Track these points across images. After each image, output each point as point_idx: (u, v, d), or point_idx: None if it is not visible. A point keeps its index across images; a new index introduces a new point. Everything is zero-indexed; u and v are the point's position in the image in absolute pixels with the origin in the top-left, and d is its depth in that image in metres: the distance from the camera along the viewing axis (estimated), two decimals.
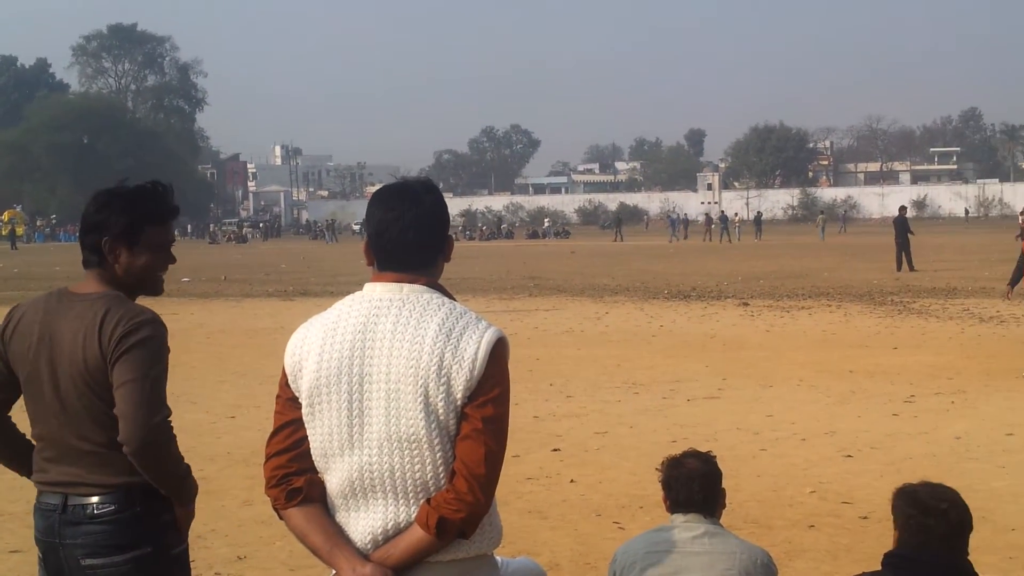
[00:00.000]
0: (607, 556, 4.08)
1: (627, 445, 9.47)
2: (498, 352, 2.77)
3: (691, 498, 3.87)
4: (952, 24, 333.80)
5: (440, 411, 2.74)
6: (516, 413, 11.08)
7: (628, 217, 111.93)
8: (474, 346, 2.74)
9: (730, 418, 10.60)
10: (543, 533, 7.03)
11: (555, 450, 9.35)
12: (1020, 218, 56.51)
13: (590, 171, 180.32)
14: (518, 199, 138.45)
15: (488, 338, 2.76)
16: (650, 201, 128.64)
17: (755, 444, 9.43)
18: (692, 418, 10.67)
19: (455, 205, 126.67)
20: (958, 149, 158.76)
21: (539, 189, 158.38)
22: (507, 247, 63.90)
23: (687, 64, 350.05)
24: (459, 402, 2.74)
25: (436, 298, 2.84)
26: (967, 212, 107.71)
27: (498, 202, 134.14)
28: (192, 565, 6.39)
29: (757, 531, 6.89)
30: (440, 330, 2.76)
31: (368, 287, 2.91)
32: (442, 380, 2.73)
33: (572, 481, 8.29)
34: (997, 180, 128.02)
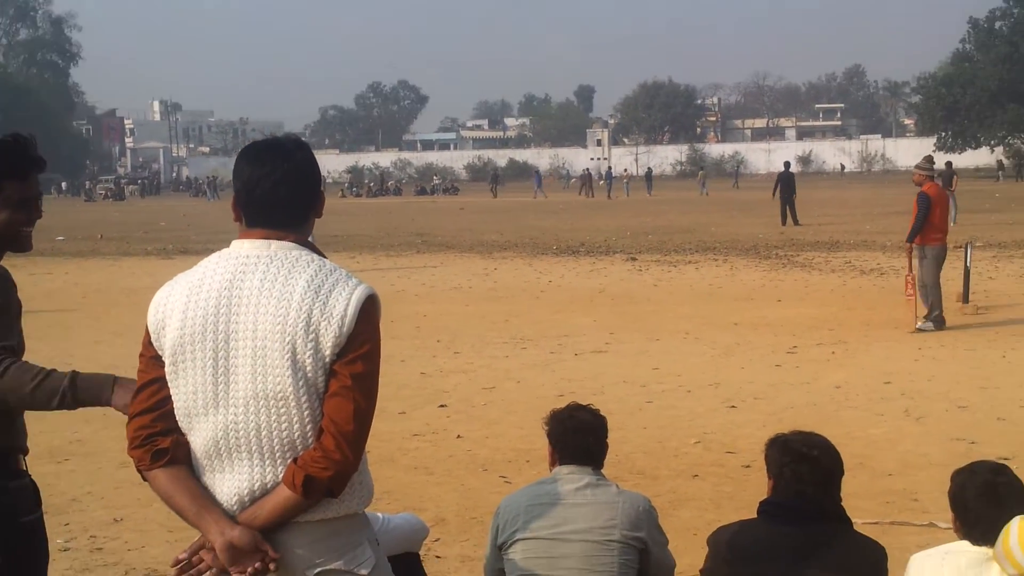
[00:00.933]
0: (493, 510, 4.08)
1: (514, 400, 9.52)
2: (368, 309, 2.73)
3: (577, 451, 3.89)
4: None
5: (308, 368, 2.70)
6: (403, 370, 11.11)
7: (518, 173, 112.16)
8: (343, 303, 2.71)
9: (617, 371, 10.72)
10: (429, 488, 7.03)
11: (442, 406, 9.35)
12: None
13: (479, 127, 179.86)
14: (406, 155, 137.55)
15: (358, 295, 2.73)
16: (540, 157, 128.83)
17: (642, 396, 9.57)
18: (579, 372, 10.76)
19: (341, 162, 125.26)
20: (842, 105, 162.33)
21: (427, 145, 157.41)
22: (395, 204, 63.47)
23: (576, 20, 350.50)
24: (327, 359, 2.70)
25: (305, 255, 2.79)
26: (843, 167, 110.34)
27: (386, 158, 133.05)
28: (67, 528, 6.30)
29: (643, 482, 6.99)
30: (308, 287, 2.72)
31: (235, 244, 2.85)
32: (310, 337, 2.69)
33: (459, 437, 8.31)
34: (880, 136, 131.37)
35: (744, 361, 11.15)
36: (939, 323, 12.80)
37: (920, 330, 12.63)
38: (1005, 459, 7.00)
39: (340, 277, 2.77)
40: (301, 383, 2.70)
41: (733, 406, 9.11)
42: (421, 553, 4.93)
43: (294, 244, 2.81)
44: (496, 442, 8.11)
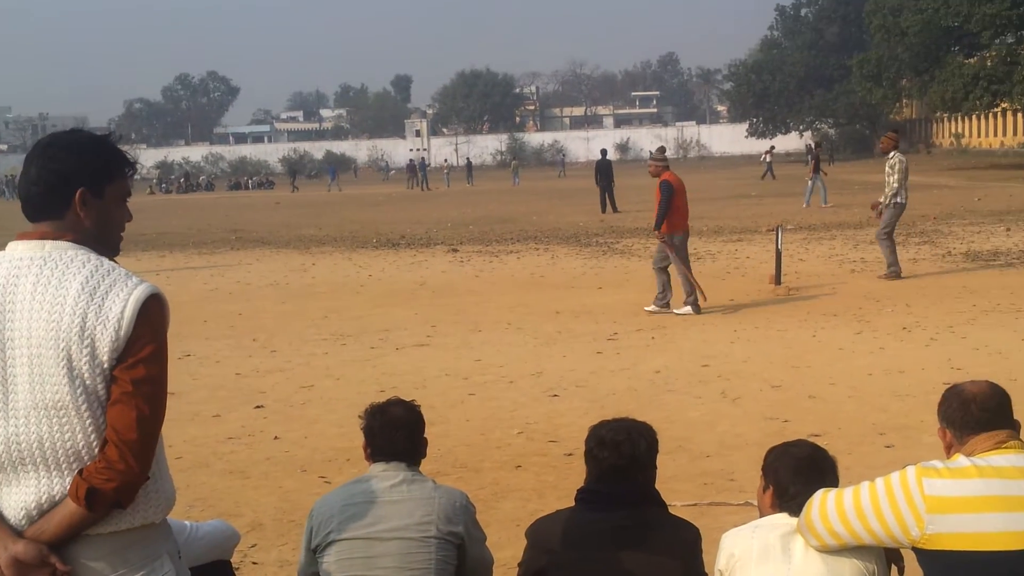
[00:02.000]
0: None
1: (333, 398, 9.41)
2: (149, 310, 2.63)
3: (393, 446, 3.85)
4: None
5: (86, 375, 2.59)
6: (217, 371, 10.84)
7: (337, 166, 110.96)
8: (120, 305, 2.60)
9: (439, 364, 10.72)
10: (245, 493, 6.88)
11: (258, 407, 9.18)
12: (763, 155, 60.11)
13: (294, 119, 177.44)
14: (218, 149, 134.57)
15: (137, 295, 2.62)
16: (358, 149, 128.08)
17: (464, 389, 9.59)
18: (401, 367, 10.72)
19: (149, 157, 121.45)
20: (658, 93, 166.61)
21: (240, 139, 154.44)
22: (207, 200, 62.02)
23: (392, 8, 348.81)
24: (106, 365, 2.60)
25: (81, 255, 2.67)
26: (650, 154, 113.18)
27: (196, 153, 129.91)
28: None
29: (466, 475, 7.01)
30: (83, 289, 2.61)
31: (10, 246, 2.73)
32: (85, 342, 2.58)
33: (276, 438, 8.16)
34: (695, 122, 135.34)
35: (566, 349, 11.30)
36: (696, 307, 13.29)
37: (679, 314, 13.16)
38: (816, 435, 7.32)
39: (118, 278, 2.66)
40: (80, 391, 2.60)
41: (555, 395, 9.22)
42: (237, 560, 4.83)
43: (71, 244, 2.69)
44: (315, 442, 8.00)
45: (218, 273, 20.12)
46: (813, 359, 10.30)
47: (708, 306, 13.72)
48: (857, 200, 34.34)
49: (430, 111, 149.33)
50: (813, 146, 41.95)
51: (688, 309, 13.29)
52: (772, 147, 64.87)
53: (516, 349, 11.46)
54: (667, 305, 13.43)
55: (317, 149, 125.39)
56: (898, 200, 15.90)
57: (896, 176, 15.85)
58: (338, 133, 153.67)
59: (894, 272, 15.59)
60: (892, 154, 16.04)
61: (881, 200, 16.08)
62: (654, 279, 13.76)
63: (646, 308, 13.51)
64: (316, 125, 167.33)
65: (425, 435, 4.00)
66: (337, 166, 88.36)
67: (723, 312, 13.38)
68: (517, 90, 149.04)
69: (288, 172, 76.20)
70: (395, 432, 3.86)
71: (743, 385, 9.30)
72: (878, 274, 15.94)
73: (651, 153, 14.53)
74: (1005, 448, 3.24)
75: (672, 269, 13.65)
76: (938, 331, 11.40)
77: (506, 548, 5.38)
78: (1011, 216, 25.49)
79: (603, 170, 34.94)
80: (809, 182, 34.17)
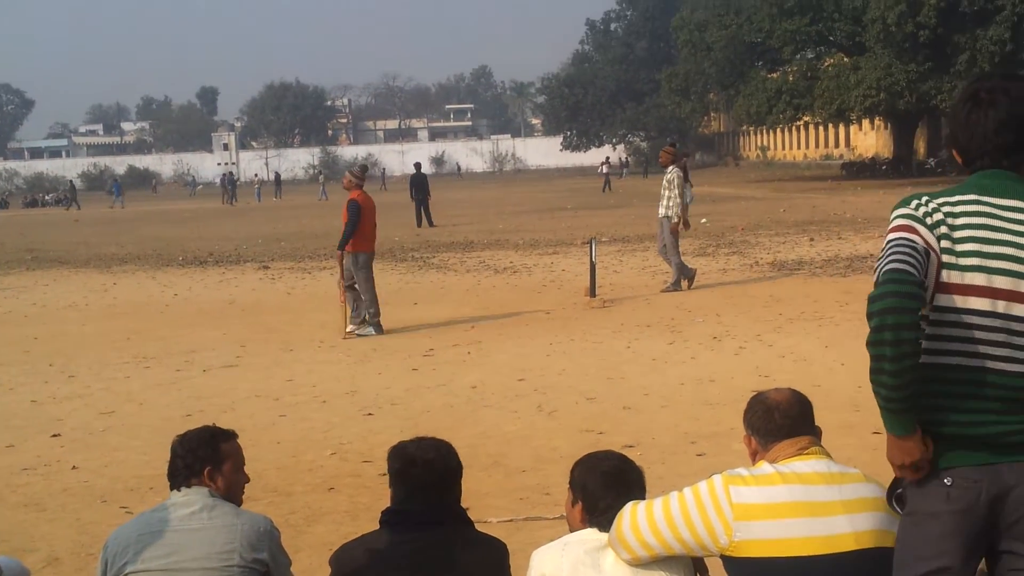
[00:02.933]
0: None
1: (136, 424, 9.10)
2: None
3: (191, 472, 3.74)
4: None
5: None
6: (10, 399, 10.35)
7: (139, 181, 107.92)
8: None
9: (249, 385, 10.50)
10: (41, 527, 6.58)
11: (55, 436, 8.80)
12: (600, 167, 60.79)
13: (94, 132, 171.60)
14: (12, 165, 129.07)
15: None
16: (162, 163, 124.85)
17: (275, 410, 9.41)
18: (208, 389, 10.45)
19: None
20: (472, 106, 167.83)
21: (36, 154, 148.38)
22: (0, 218, 59.35)
23: (196, 18, 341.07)
24: None
25: None
26: (459, 167, 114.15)
27: None
28: None
29: (277, 499, 6.88)
30: None
31: None
32: None
33: (74, 468, 7.84)
34: (509, 136, 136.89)
35: (381, 367, 11.23)
36: (378, 328, 13.28)
37: (355, 335, 13.18)
38: (630, 446, 7.47)
39: None
40: None
41: (370, 414, 9.14)
42: None
43: None
44: (116, 470, 7.71)
45: (12, 295, 19.26)
46: (628, 370, 10.50)
47: (524, 319, 13.86)
48: None
49: (238, 124, 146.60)
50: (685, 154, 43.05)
51: (370, 330, 13.21)
52: (608, 159, 66.23)
53: (329, 367, 11.32)
54: (379, 326, 13.30)
55: (119, 164, 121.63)
56: (671, 214, 16.33)
57: (676, 191, 16.35)
58: (141, 147, 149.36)
59: (676, 286, 16.02)
60: (670, 168, 16.57)
61: (673, 217, 16.38)
62: (351, 302, 13.60)
63: (348, 331, 13.28)
64: (117, 139, 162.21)
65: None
66: (139, 181, 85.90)
67: (539, 325, 13.52)
68: (329, 103, 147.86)
69: (68, 190, 73.40)
70: (192, 455, 3.75)
71: (559, 398, 9.41)
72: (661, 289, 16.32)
73: (351, 169, 14.45)
74: (807, 454, 3.36)
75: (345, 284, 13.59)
76: (746, 340, 11.79)
77: (318, 573, 5.29)
78: (814, 226, 26.61)
79: (418, 184, 34.97)
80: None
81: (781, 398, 3.49)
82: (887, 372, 2.73)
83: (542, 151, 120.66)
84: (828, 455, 3.41)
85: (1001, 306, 2.79)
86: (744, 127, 78.98)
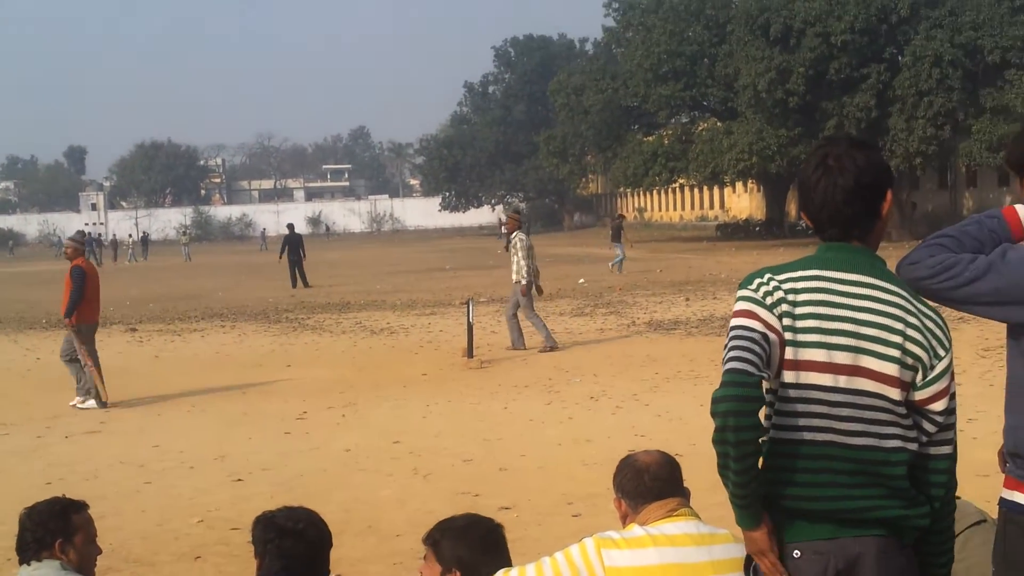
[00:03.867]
0: None
1: None
2: None
3: (41, 545, 3.61)
4: (340, 46, 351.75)
5: None
6: None
7: (4, 239, 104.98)
8: None
9: (113, 452, 10.20)
10: None
11: None
12: (501, 226, 60.70)
13: None
14: None
15: None
16: (27, 223, 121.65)
17: (140, 477, 9.15)
18: (70, 456, 10.12)
19: None
20: (349, 166, 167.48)
21: None
22: None
23: (63, 77, 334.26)
24: None
25: None
26: (327, 228, 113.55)
27: None
28: None
29: (140, 569, 6.66)
30: None
31: None
32: None
33: None
34: (387, 196, 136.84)
35: (252, 431, 11.02)
36: (100, 402, 12.92)
37: (78, 407, 12.86)
38: (506, 508, 7.44)
39: None
40: None
41: (239, 479, 8.95)
42: None
43: None
44: None
45: None
46: (505, 431, 10.49)
47: (399, 380, 13.77)
48: (547, 272, 35.59)
49: (108, 184, 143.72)
50: (616, 216, 43.86)
51: (92, 403, 12.88)
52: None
53: (198, 432, 11.07)
54: (101, 401, 12.93)
55: None
56: (523, 279, 16.50)
57: (521, 254, 16.55)
58: (5, 206, 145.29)
59: (518, 346, 16.21)
60: (515, 234, 16.78)
61: (522, 281, 16.52)
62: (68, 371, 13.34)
63: (70, 404, 12.96)
64: None
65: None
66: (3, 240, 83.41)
67: (416, 386, 13.44)
68: (202, 162, 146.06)
69: None
70: (33, 531, 3.63)
71: (435, 460, 9.34)
72: (506, 346, 16.48)
73: (71, 236, 14.28)
74: (677, 516, 3.39)
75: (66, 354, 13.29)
76: (624, 399, 11.89)
77: None
78: (690, 286, 27.10)
79: (292, 244, 34.68)
80: (618, 251, 35.42)
81: (651, 460, 3.52)
82: (732, 470, 2.77)
83: (421, 212, 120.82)
84: (697, 516, 3.45)
85: (843, 381, 2.82)
86: (621, 189, 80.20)
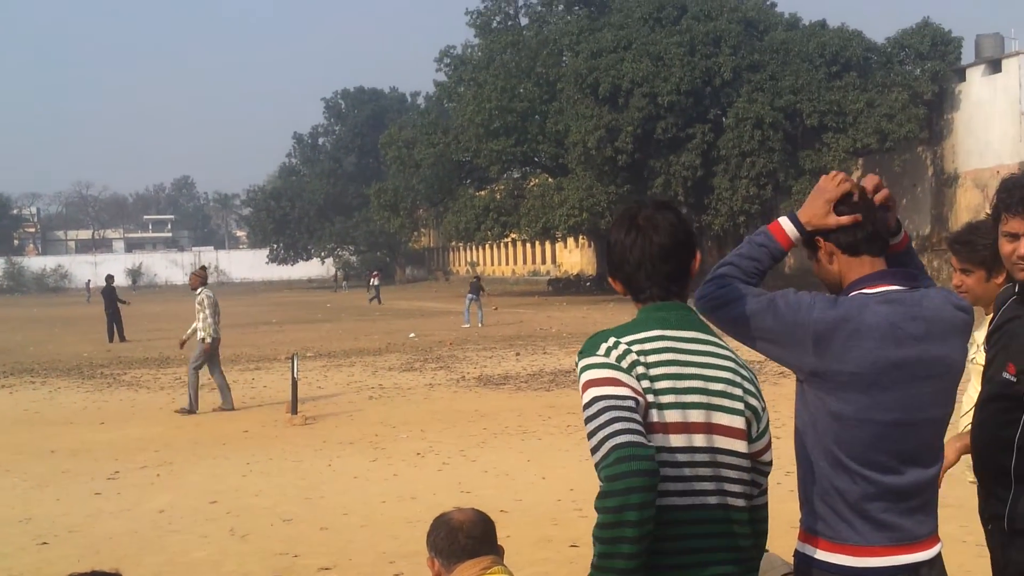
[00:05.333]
0: None
1: None
2: None
3: None
4: (165, 92, 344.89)
5: None
6: None
7: None
8: None
9: None
10: None
11: None
12: (370, 279, 59.69)
13: None
14: None
15: None
16: None
17: None
18: None
19: None
20: (173, 217, 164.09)
21: None
22: None
23: None
24: None
25: None
26: (133, 282, 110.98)
27: None
28: None
29: None
30: None
31: None
32: None
33: None
34: (213, 248, 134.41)
35: (60, 492, 10.58)
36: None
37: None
38: (326, 568, 7.32)
39: None
40: None
41: (45, 543, 8.56)
42: None
43: None
44: None
45: None
46: (327, 489, 10.33)
47: (220, 438, 13.45)
48: (377, 327, 35.44)
49: None
50: (475, 273, 43.88)
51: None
52: (377, 271, 66.00)
53: (2, 493, 10.57)
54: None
55: None
56: (209, 337, 16.46)
57: (206, 311, 16.55)
58: None
59: (189, 410, 16.03)
60: (199, 291, 16.77)
61: (207, 338, 16.46)
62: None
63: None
64: None
65: None
66: None
67: (236, 444, 13.14)
68: (15, 211, 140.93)
69: None
70: None
71: (253, 520, 9.12)
72: (175, 408, 16.40)
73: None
74: (490, 574, 3.39)
75: None
76: (450, 455, 11.85)
77: None
78: (521, 341, 27.32)
79: (109, 296, 33.68)
80: (466, 302, 35.42)
81: (465, 519, 3.53)
82: (625, 555, 2.64)
83: (247, 264, 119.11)
84: (511, 574, 3.45)
85: (699, 440, 2.82)
86: (454, 243, 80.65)
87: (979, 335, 4.29)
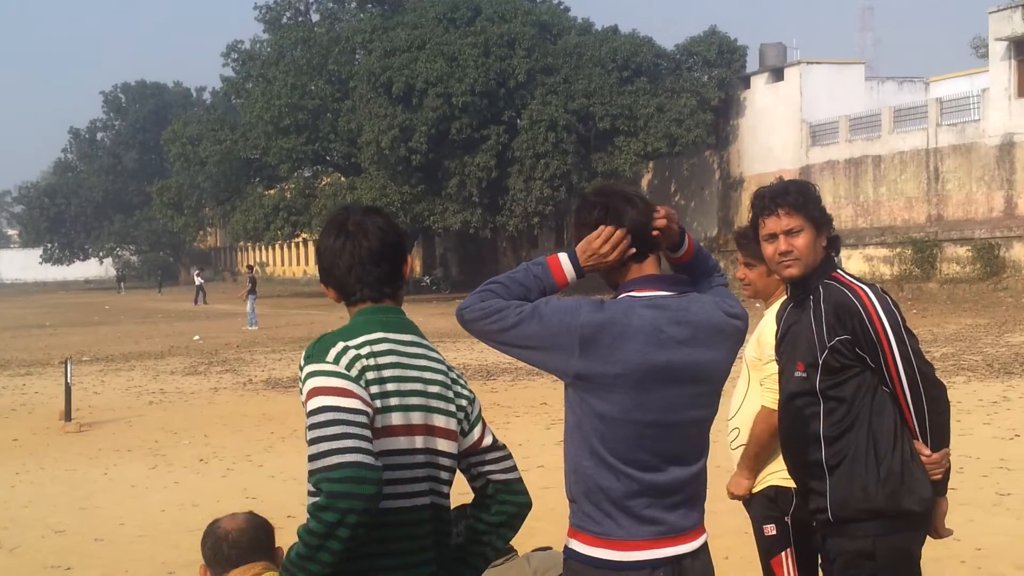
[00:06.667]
0: None
1: None
2: None
3: None
4: None
5: None
6: None
7: None
8: None
9: None
10: None
11: None
12: (195, 276, 57.04)
13: None
14: None
15: None
16: None
17: None
18: None
19: None
20: None
21: None
22: None
23: None
24: None
25: None
26: None
27: None
28: None
29: None
30: None
31: None
32: None
33: None
34: None
35: None
36: None
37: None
38: None
39: None
40: None
41: None
42: None
43: None
44: None
45: None
46: (103, 499, 9.96)
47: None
48: (159, 329, 34.44)
49: None
50: (250, 267, 42.55)
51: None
52: (201, 269, 63.75)
53: None
54: None
55: None
56: None
57: None
58: None
59: None
60: None
61: None
62: None
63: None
64: None
65: None
66: None
67: (5, 453, 12.53)
68: None
69: None
70: None
71: (22, 533, 8.71)
72: None
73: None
74: None
75: None
76: (236, 461, 11.60)
77: None
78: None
79: None
80: (249, 304, 34.30)
81: (232, 527, 3.50)
82: (321, 562, 2.73)
83: (19, 264, 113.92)
84: None
85: (419, 441, 2.92)
86: (242, 243, 79.22)
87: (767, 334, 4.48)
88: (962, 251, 36.62)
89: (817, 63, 46.63)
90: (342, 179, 55.38)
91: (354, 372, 2.84)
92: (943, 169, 38.98)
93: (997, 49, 37.29)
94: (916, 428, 3.68)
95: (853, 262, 38.72)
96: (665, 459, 3.09)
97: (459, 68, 46.26)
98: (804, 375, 3.75)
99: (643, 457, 3.06)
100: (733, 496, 4.67)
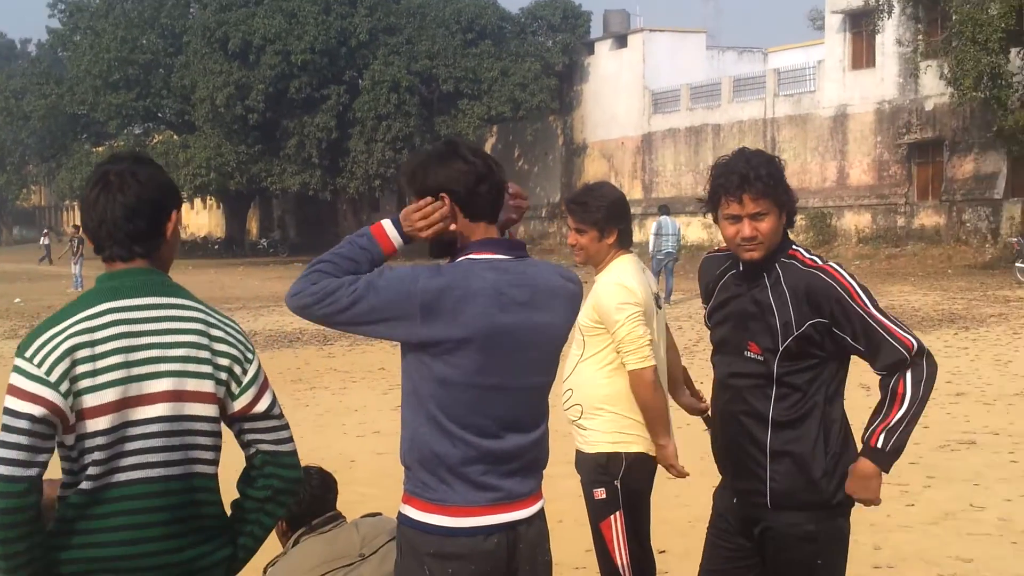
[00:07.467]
0: None
1: None
2: None
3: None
4: None
5: None
6: None
7: None
8: None
9: None
10: None
11: None
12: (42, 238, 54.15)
13: None
14: None
15: None
16: None
17: None
18: None
19: None
20: None
21: None
22: None
23: None
24: None
25: None
26: None
27: None
28: None
29: None
30: None
31: None
32: None
33: None
34: None
35: None
36: None
37: None
38: None
39: None
40: None
41: None
42: None
43: None
44: None
45: None
46: None
47: None
48: None
49: None
50: (76, 227, 40.90)
51: None
52: (48, 231, 61.12)
53: None
54: None
55: None
56: None
57: None
58: None
59: None
60: None
61: None
62: None
63: None
64: None
65: None
66: None
67: None
68: None
69: None
70: None
71: None
72: None
73: None
74: None
75: None
76: None
77: None
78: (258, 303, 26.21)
79: None
80: (75, 267, 33.01)
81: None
82: None
83: None
84: None
85: (160, 409, 2.78)
86: (68, 201, 76.61)
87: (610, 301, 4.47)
88: (797, 219, 37.63)
89: (660, 31, 47.27)
90: (175, 137, 54.06)
91: (55, 375, 2.70)
92: (780, 139, 40.02)
93: (833, 22, 38.38)
94: (902, 395, 3.55)
95: (692, 229, 39.49)
96: (504, 425, 3.07)
97: (298, 25, 45.47)
98: (760, 358, 3.64)
99: (482, 422, 3.04)
100: (668, 466, 4.68)
